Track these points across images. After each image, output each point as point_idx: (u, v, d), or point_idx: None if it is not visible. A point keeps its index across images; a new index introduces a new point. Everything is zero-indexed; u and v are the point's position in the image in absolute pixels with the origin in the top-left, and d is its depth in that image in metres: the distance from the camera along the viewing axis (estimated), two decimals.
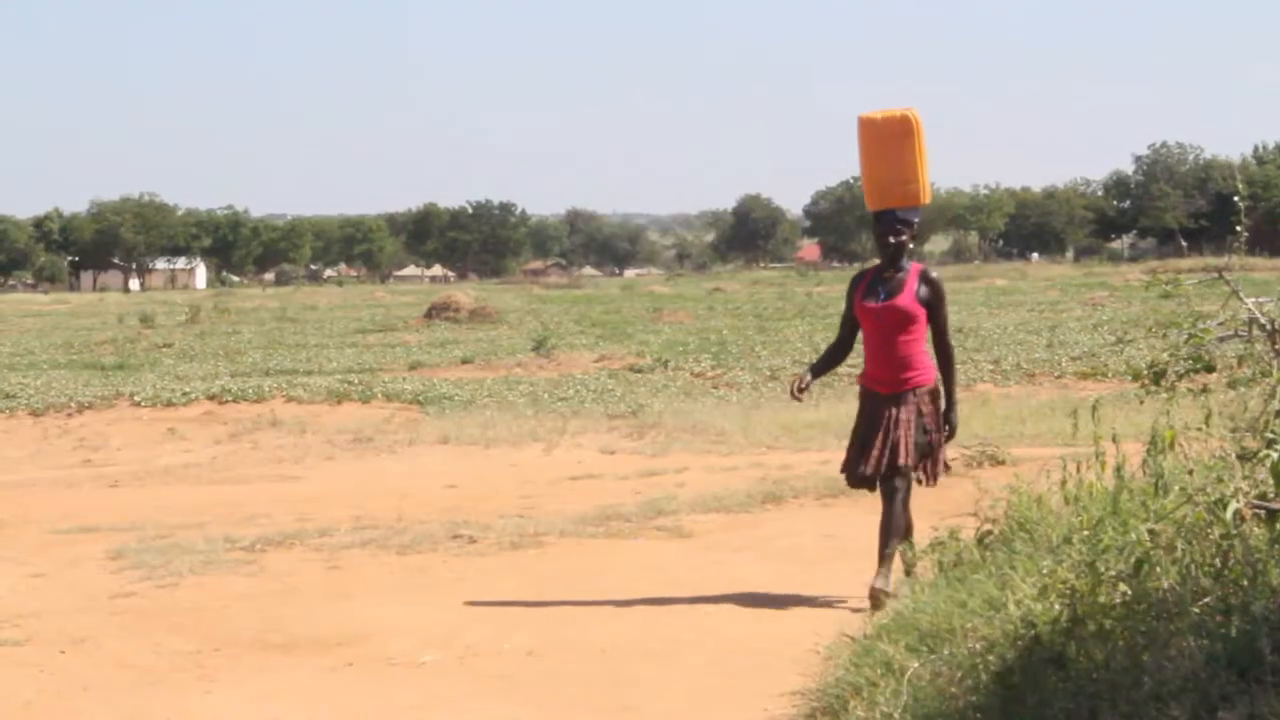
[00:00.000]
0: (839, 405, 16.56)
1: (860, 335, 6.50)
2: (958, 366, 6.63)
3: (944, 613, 4.66)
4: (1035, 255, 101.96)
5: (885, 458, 6.23)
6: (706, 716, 5.01)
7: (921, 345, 6.30)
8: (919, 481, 6.39)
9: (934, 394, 6.31)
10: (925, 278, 6.28)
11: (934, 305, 6.26)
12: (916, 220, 6.35)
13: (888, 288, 6.25)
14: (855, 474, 6.38)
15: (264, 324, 38.70)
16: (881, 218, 6.30)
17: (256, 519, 9.45)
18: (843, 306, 6.59)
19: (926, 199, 6.36)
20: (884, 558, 6.22)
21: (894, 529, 6.23)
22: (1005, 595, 4.27)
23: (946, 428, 6.34)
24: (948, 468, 6.58)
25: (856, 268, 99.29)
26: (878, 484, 6.35)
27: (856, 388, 6.63)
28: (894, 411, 6.24)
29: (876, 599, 5.94)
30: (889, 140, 6.29)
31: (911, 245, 6.37)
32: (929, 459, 6.36)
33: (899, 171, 6.28)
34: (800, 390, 6.41)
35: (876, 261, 6.56)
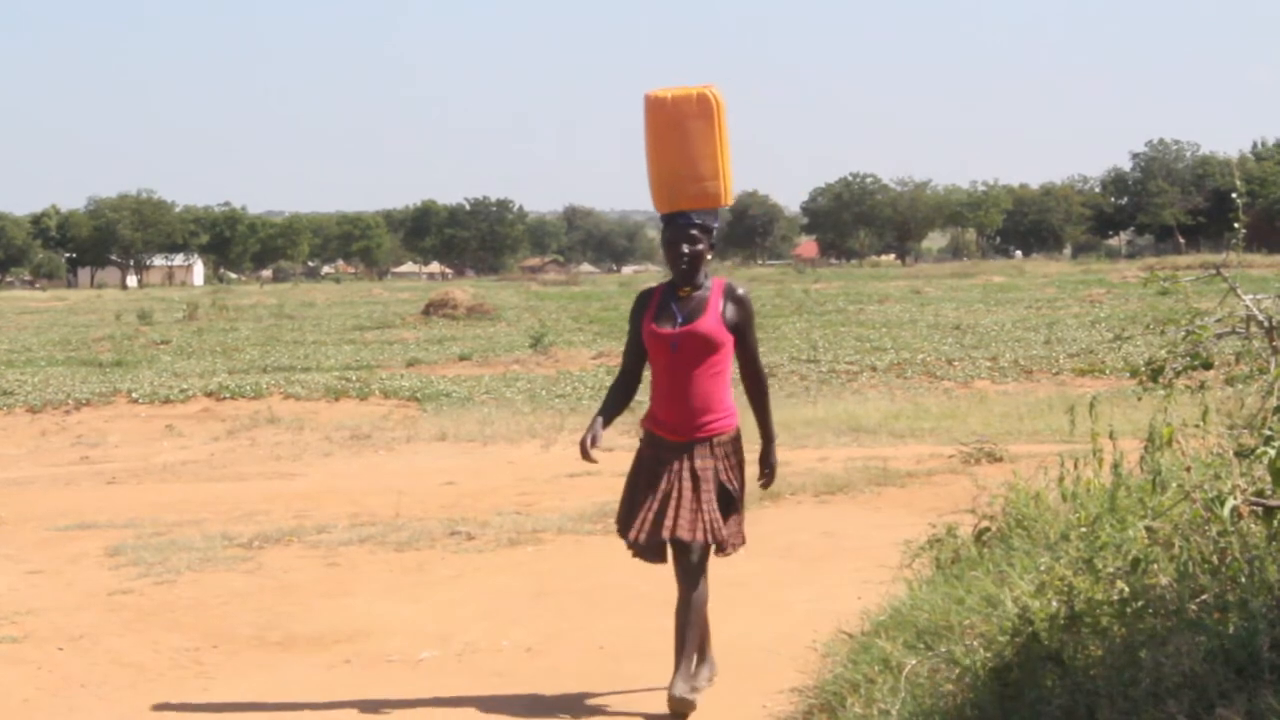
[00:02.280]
0: (837, 402, 16.58)
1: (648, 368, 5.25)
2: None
3: (941, 610, 4.67)
4: (1019, 253, 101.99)
5: (691, 529, 4.99)
6: (705, 713, 5.01)
7: (725, 381, 5.08)
8: (722, 552, 5.16)
9: (735, 442, 5.11)
10: (731, 295, 5.07)
11: (742, 329, 5.07)
12: (716, 225, 5.12)
13: (685, 309, 5.04)
14: (638, 542, 5.06)
15: (262, 321, 38.68)
16: (672, 222, 5.05)
17: (254, 516, 9.45)
18: (627, 331, 5.29)
19: (729, 199, 5.12)
20: (684, 654, 5.04)
21: (696, 617, 5.09)
22: (1003, 592, 4.28)
23: (767, 471, 5.20)
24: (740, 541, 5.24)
25: (853, 264, 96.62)
26: (673, 559, 5.10)
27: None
28: (688, 470, 5.02)
29: (682, 709, 4.96)
30: (682, 125, 5.05)
31: (711, 256, 5.11)
32: (730, 520, 5.15)
33: (695, 165, 5.05)
34: (592, 446, 5.07)
35: (657, 281, 5.36)
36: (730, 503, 5.10)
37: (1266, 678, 3.16)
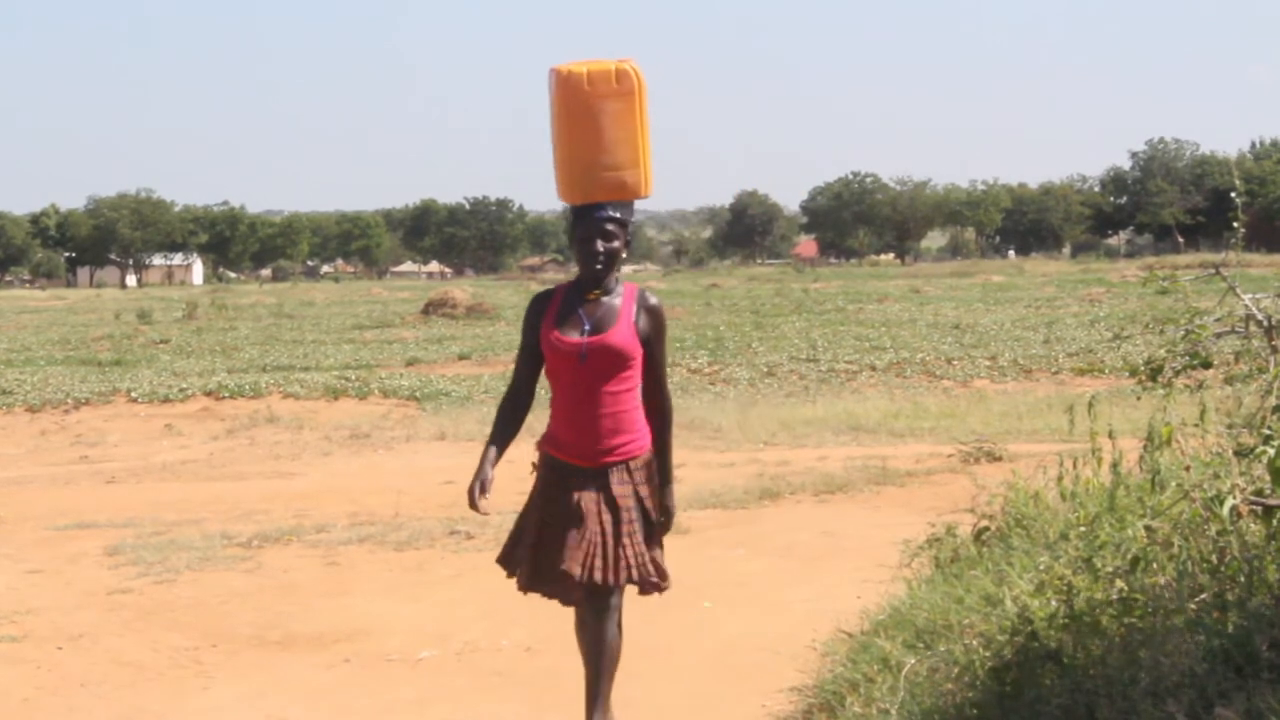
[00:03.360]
0: (836, 402, 16.59)
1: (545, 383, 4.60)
2: None
3: (941, 609, 4.67)
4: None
5: (605, 569, 4.34)
6: (704, 712, 5.01)
7: (636, 398, 4.47)
8: (644, 592, 4.52)
9: (649, 465, 4.50)
10: (644, 304, 4.45)
11: (653, 342, 4.46)
12: (633, 220, 4.50)
13: (595, 317, 4.39)
14: (558, 583, 4.36)
15: (261, 320, 38.69)
16: (585, 216, 4.41)
17: (254, 515, 9.46)
18: (519, 340, 4.65)
19: (649, 190, 4.49)
20: (599, 696, 4.48)
21: (610, 657, 4.46)
22: (1002, 591, 4.28)
23: (663, 520, 4.51)
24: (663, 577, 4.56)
25: (853, 263, 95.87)
26: (585, 600, 4.43)
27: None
28: (604, 499, 4.38)
29: None
30: (599, 105, 4.40)
31: (626, 255, 4.50)
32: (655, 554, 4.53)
33: (612, 151, 4.41)
34: (482, 494, 4.41)
35: (561, 279, 4.48)
36: (653, 533, 4.48)
37: (1265, 677, 3.16)
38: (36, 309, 50.71)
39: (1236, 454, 3.68)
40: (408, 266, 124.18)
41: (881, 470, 10.33)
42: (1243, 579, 3.47)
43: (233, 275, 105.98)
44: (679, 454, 12.05)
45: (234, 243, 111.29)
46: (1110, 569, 3.73)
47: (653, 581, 4.47)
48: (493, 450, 4.49)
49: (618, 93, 4.42)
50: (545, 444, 4.53)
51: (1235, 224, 5.58)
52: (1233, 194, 5.75)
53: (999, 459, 10.15)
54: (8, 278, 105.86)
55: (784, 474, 10.42)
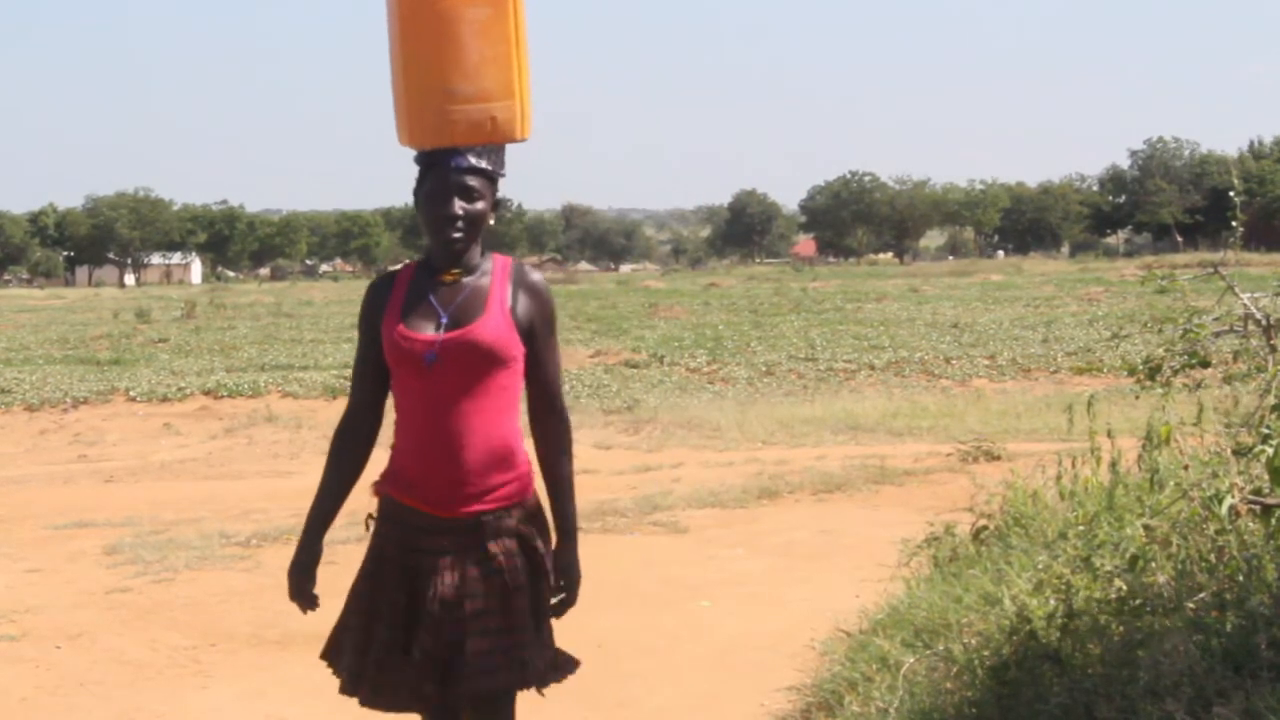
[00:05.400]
0: (834, 401, 16.59)
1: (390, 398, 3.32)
2: None
3: (939, 608, 4.67)
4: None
5: (498, 670, 3.09)
6: (703, 711, 5.01)
7: (515, 416, 3.21)
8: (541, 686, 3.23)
9: (538, 513, 3.26)
10: (523, 282, 3.22)
11: (539, 335, 3.21)
12: (503, 174, 3.28)
13: (452, 303, 3.15)
14: (395, 693, 3.20)
15: (259, 319, 38.66)
16: (437, 165, 3.20)
17: (252, 514, 9.46)
18: (356, 345, 3.39)
19: (526, 131, 3.27)
20: None
21: None
22: (1001, 590, 4.28)
23: (564, 583, 3.26)
24: (569, 663, 3.31)
25: (852, 263, 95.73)
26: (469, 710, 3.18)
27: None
28: (476, 567, 3.12)
29: None
30: (457, 12, 3.17)
31: (493, 220, 3.26)
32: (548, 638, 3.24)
33: (476, 76, 3.17)
34: (311, 586, 3.58)
35: (406, 261, 3.43)
36: (541, 606, 3.20)
37: (1264, 676, 3.16)
38: (35, 308, 50.66)
39: (1235, 453, 3.68)
40: None
41: (880, 469, 10.33)
42: (1241, 578, 3.47)
43: (231, 274, 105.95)
44: (677, 453, 12.19)
45: (232, 242, 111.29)
46: (1109, 568, 3.74)
47: (546, 677, 3.22)
48: (320, 517, 3.43)
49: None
50: (386, 484, 3.28)
51: (1234, 223, 5.58)
52: (1231, 193, 5.74)
53: (997, 458, 10.16)
54: (6, 277, 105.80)
55: (782, 473, 10.42)
